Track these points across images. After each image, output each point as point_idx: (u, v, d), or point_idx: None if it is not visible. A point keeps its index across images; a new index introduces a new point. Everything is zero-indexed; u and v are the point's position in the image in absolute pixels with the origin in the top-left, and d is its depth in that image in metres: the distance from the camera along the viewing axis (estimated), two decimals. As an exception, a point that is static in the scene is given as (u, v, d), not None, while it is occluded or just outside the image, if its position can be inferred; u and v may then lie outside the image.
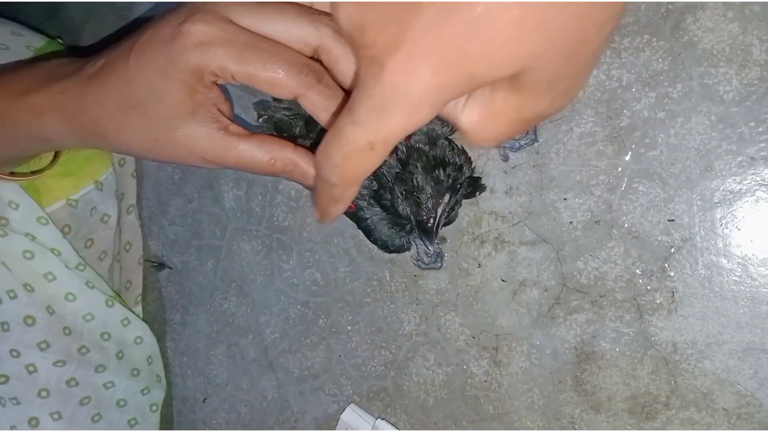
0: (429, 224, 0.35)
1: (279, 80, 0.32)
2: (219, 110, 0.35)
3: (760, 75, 0.32)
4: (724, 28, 0.32)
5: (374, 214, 0.38)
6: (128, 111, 0.34)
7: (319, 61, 0.34)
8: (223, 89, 0.35)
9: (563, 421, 0.38)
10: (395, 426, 0.43)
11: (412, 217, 0.35)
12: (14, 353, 0.46)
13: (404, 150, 0.35)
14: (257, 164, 0.35)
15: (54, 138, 0.38)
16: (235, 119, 0.36)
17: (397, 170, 0.35)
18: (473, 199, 0.39)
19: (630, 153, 0.35)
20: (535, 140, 0.37)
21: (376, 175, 0.36)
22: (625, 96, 0.35)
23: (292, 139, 0.38)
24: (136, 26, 0.52)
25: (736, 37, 0.32)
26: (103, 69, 0.35)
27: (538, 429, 0.39)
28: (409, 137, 0.35)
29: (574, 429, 0.38)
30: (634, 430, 0.36)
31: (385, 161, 0.35)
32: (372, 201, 0.38)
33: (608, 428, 0.37)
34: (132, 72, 0.34)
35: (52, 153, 0.45)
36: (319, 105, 0.33)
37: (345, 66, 0.33)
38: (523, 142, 0.37)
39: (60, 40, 0.54)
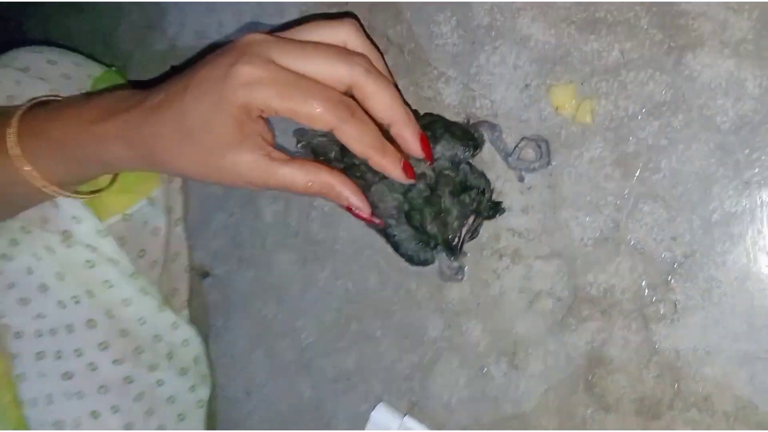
0: (454, 243, 0.39)
1: (317, 115, 0.36)
2: (263, 139, 0.39)
3: (753, 107, 0.35)
4: (721, 65, 0.35)
5: (402, 231, 0.42)
6: (183, 140, 0.39)
7: (352, 96, 0.38)
8: (267, 120, 0.40)
9: (576, 421, 0.41)
10: (421, 423, 0.47)
11: (439, 236, 0.39)
12: (78, 352, 0.51)
13: (433, 176, 0.39)
14: (296, 186, 0.39)
15: (117, 163, 0.42)
16: (277, 146, 0.40)
17: (426, 194, 0.39)
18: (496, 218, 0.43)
19: (636, 176, 0.38)
20: (549, 163, 0.40)
21: (408, 198, 0.40)
22: (631, 124, 0.38)
23: (328, 161, 0.42)
24: (182, 56, 0.56)
25: (732, 72, 0.35)
26: (162, 103, 0.40)
27: (553, 428, 0.42)
28: (433, 162, 0.39)
29: (586, 428, 0.41)
30: (641, 430, 0.39)
31: (416, 186, 0.39)
32: (401, 220, 0.41)
33: (617, 427, 0.40)
34: (187, 106, 0.38)
35: (111, 175, 0.50)
36: (351, 136, 0.37)
37: (375, 103, 0.37)
38: (537, 165, 0.40)
39: (114, 68, 0.60)
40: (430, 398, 0.47)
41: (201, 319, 0.59)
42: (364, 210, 0.39)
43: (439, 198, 0.39)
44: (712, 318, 0.37)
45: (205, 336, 0.59)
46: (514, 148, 0.41)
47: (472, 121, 0.42)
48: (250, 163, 0.38)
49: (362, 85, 0.37)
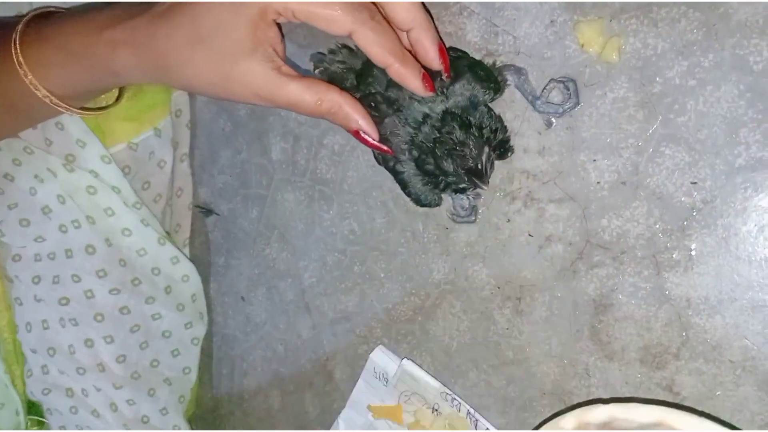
0: (478, 167, 0.37)
1: (335, 17, 0.35)
2: (275, 50, 0.38)
3: (789, 48, 0.34)
4: (760, 1, 0.34)
5: (410, 168, 0.41)
6: (194, 46, 0.38)
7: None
8: (280, 29, 0.39)
9: (578, 368, 0.41)
10: (420, 367, 0.47)
11: (460, 170, 0.37)
12: (75, 278, 0.51)
13: (438, 117, 0.38)
14: (305, 104, 0.38)
15: (124, 72, 0.41)
16: (288, 64, 0.39)
17: (434, 136, 0.38)
18: (507, 158, 0.41)
19: (659, 118, 0.37)
20: (578, 103, 0.39)
21: (415, 144, 0.38)
22: (658, 64, 0.37)
23: (344, 90, 0.41)
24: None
25: (769, 10, 0.34)
26: (173, 7, 0.39)
27: (554, 375, 0.42)
28: (450, 75, 0.38)
29: (588, 376, 0.40)
30: (644, 379, 0.39)
31: (422, 131, 0.38)
32: (411, 156, 0.40)
33: (620, 376, 0.39)
34: (200, 9, 0.37)
35: (116, 93, 0.49)
36: (370, 40, 0.36)
37: (395, 4, 0.36)
38: (567, 107, 0.39)
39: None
40: (430, 342, 0.47)
41: (202, 256, 0.59)
42: (372, 135, 0.39)
43: (449, 135, 0.37)
44: (727, 267, 0.36)
45: (205, 274, 0.58)
46: (541, 92, 0.39)
47: (498, 65, 0.41)
48: (261, 74, 0.37)
49: None
